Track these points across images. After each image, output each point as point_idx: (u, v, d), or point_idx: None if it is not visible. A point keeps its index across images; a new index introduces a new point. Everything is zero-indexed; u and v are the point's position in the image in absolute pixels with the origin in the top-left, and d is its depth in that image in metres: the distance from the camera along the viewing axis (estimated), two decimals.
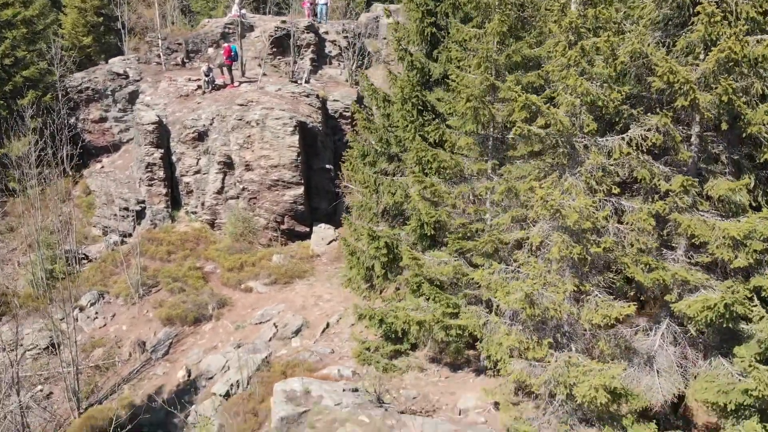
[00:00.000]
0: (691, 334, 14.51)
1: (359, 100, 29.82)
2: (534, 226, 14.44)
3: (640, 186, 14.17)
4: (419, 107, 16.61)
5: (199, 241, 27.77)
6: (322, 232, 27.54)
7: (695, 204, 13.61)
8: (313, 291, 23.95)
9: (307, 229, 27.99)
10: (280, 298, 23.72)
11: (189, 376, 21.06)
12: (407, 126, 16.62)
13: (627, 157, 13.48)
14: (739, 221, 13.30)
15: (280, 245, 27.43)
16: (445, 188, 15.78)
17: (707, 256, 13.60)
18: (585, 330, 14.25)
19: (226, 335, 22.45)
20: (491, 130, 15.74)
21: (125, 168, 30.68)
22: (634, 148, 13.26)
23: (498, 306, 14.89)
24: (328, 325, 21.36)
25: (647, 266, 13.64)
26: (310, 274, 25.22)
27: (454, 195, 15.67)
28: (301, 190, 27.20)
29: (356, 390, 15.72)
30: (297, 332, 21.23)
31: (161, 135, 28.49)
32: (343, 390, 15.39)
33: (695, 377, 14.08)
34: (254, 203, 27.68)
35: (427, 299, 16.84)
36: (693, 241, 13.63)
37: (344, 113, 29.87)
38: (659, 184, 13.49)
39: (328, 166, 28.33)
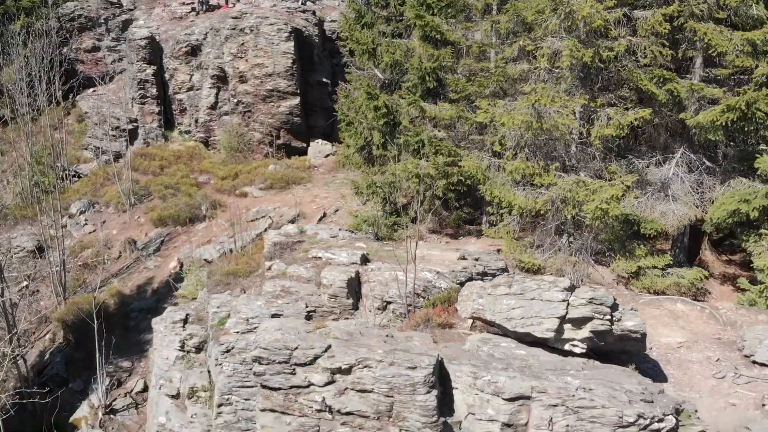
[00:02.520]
0: (707, 165, 13.77)
1: None
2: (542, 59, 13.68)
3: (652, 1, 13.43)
4: None
5: (192, 158, 26.99)
6: (320, 146, 26.82)
7: (711, 13, 12.86)
8: (310, 193, 23.17)
9: (304, 145, 27.21)
10: (277, 200, 22.94)
11: (181, 267, 20.28)
12: None
13: None
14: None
15: (276, 159, 26.65)
16: (447, 27, 15.00)
17: (726, 68, 12.87)
18: (594, 156, 13.48)
19: (220, 231, 21.63)
20: None
21: (118, 91, 29.92)
22: None
23: (503, 137, 14.09)
24: (324, 214, 20.62)
25: (661, 79, 12.90)
26: (307, 181, 24.44)
27: (458, 32, 14.89)
28: (296, 100, 26.42)
29: (353, 232, 14.93)
30: (293, 222, 20.41)
31: (154, 51, 27.77)
32: (339, 230, 14.57)
33: (712, 202, 13.31)
34: (249, 117, 26.89)
35: (428, 159, 16.06)
36: (710, 52, 12.89)
37: (342, 35, 29.05)
38: None
39: (325, 80, 27.56)
